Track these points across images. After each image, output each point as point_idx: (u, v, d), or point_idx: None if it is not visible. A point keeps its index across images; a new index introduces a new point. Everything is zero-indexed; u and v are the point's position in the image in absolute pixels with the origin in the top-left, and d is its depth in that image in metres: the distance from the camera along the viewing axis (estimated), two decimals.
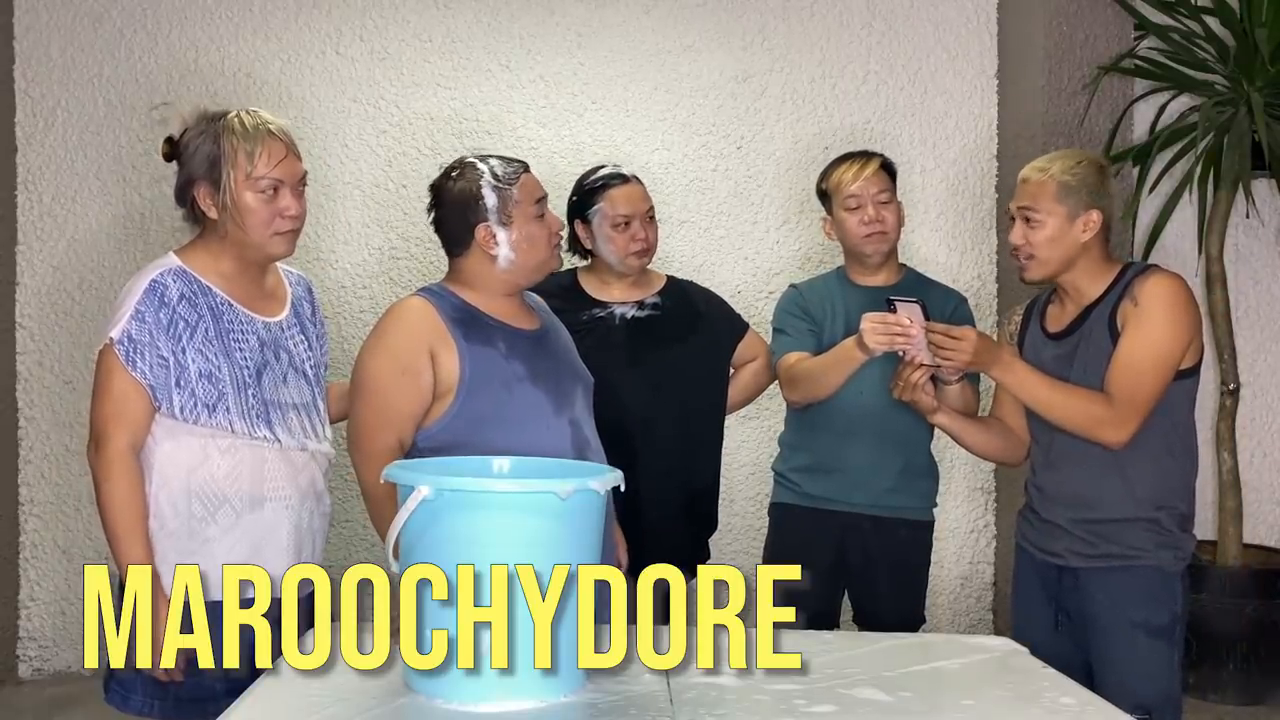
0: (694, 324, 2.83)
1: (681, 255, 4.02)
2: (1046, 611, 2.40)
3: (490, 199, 2.13)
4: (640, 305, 2.79)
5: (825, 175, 2.81)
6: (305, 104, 3.94)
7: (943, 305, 2.71)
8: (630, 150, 4.02)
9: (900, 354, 2.45)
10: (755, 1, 4.05)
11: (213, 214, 2.06)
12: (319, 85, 3.96)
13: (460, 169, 2.19)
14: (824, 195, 2.81)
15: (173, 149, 2.12)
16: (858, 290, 2.79)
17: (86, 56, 3.91)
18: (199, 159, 2.05)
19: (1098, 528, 2.32)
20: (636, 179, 2.82)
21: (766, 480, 3.99)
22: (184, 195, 2.10)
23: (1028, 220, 2.34)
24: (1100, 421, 2.25)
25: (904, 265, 2.87)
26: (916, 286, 2.76)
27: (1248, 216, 3.91)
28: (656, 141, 4.03)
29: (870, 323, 2.46)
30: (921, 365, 2.42)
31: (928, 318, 2.40)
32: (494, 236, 2.14)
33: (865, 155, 2.79)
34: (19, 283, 3.91)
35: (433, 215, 2.22)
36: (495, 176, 2.14)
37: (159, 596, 1.97)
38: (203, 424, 2.01)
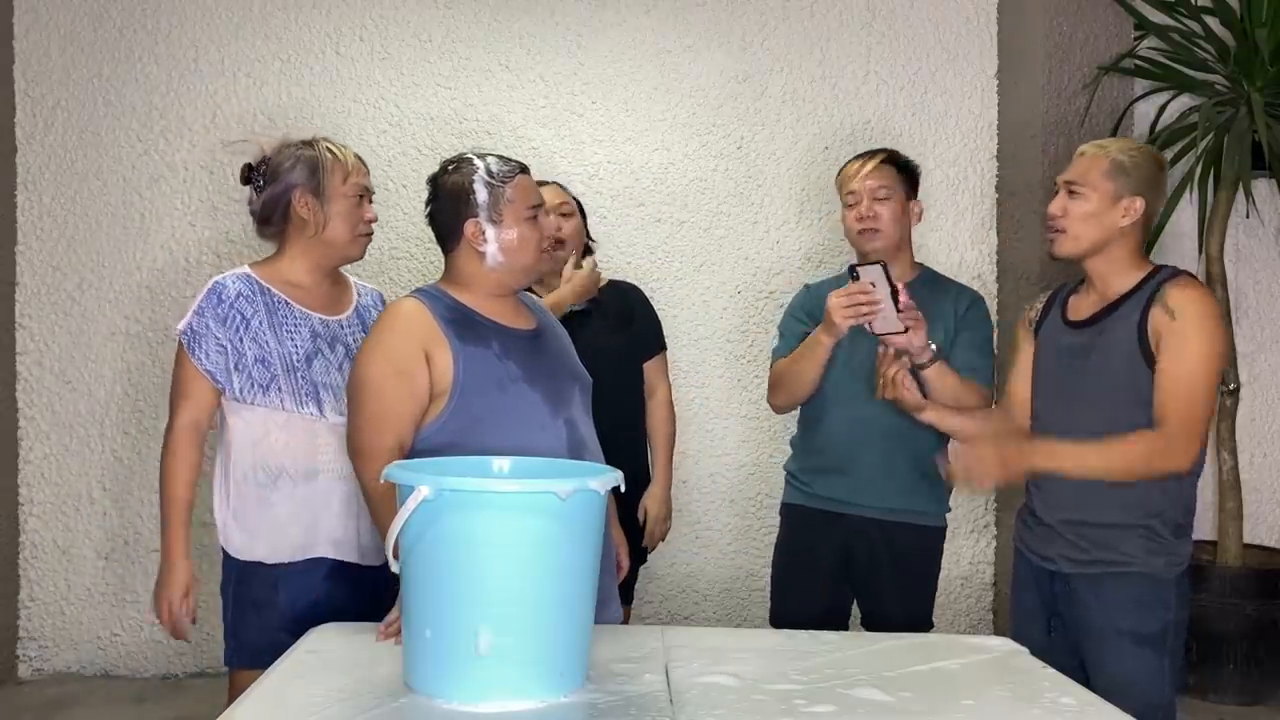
0: (623, 322, 3.07)
1: (682, 255, 4.03)
2: (1041, 615, 2.39)
3: (482, 194, 2.13)
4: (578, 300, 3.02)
5: (839, 173, 2.81)
6: (305, 104, 3.95)
7: (956, 303, 2.70)
8: (630, 150, 4.02)
9: (867, 327, 2.45)
10: (755, 1, 4.05)
11: (306, 215, 2.37)
12: (319, 85, 3.97)
13: (457, 164, 2.19)
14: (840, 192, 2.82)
15: (252, 172, 2.42)
16: None
17: (86, 56, 3.91)
18: (300, 170, 2.37)
19: (1089, 532, 2.30)
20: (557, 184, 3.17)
21: (766, 480, 4.02)
22: (276, 204, 2.38)
23: (1071, 193, 2.32)
24: (1159, 454, 2.19)
25: (920, 264, 2.83)
26: (931, 285, 2.75)
27: (1248, 216, 3.91)
28: (656, 141, 4.03)
29: (835, 299, 2.47)
30: (889, 339, 2.42)
31: (889, 279, 2.40)
32: (483, 233, 2.13)
33: (871, 153, 2.78)
34: (19, 283, 3.91)
35: (428, 209, 2.22)
36: (489, 173, 2.14)
37: (181, 561, 2.30)
38: (259, 403, 2.30)
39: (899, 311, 2.41)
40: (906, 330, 2.42)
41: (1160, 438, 2.18)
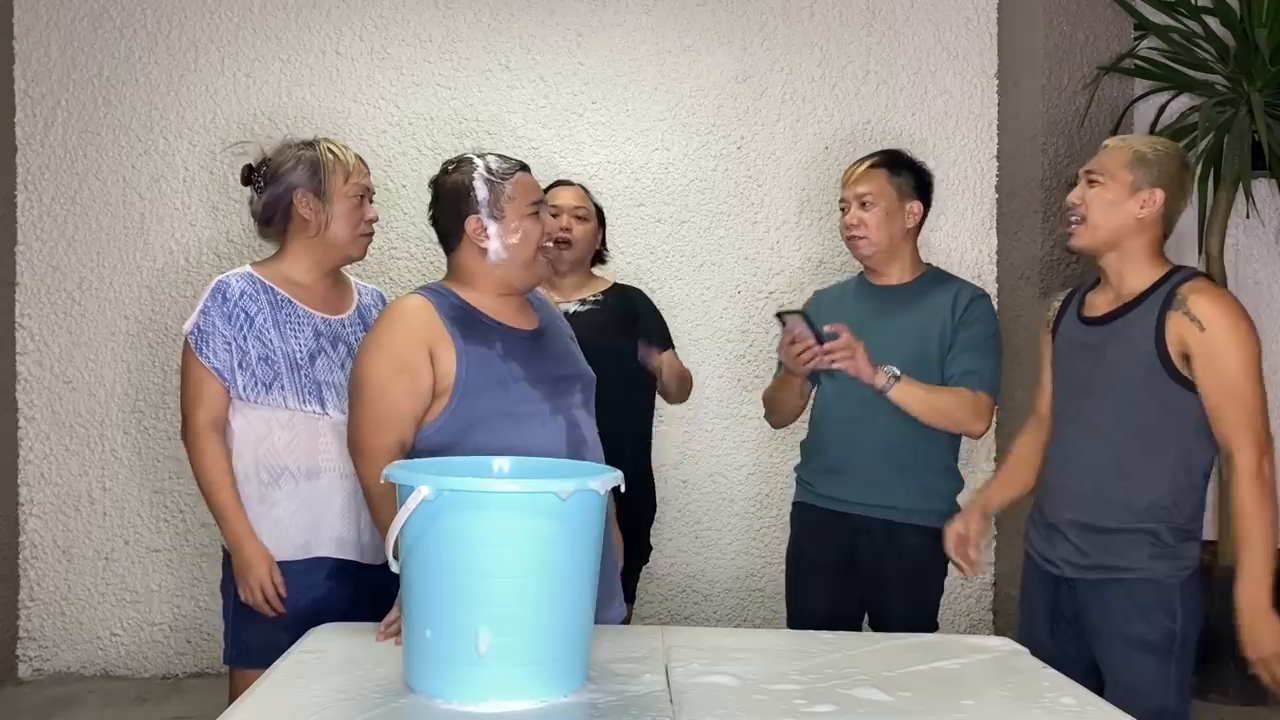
0: (627, 323, 3.08)
1: (682, 255, 4.03)
2: (1048, 618, 2.38)
3: (482, 191, 2.14)
4: (583, 302, 3.06)
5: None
6: (305, 104, 3.95)
7: (955, 301, 2.70)
8: (630, 150, 4.02)
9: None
10: (755, 1, 4.06)
11: (308, 216, 2.39)
12: (319, 85, 3.97)
13: (457, 164, 2.20)
14: None
15: (252, 174, 2.44)
16: (872, 291, 2.79)
17: (86, 56, 3.91)
18: (301, 171, 2.39)
19: (1093, 536, 2.28)
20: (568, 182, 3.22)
21: (767, 480, 4.02)
22: (277, 205, 2.40)
23: (1090, 182, 2.31)
24: (1261, 476, 2.17)
25: (927, 264, 2.84)
26: (934, 283, 2.76)
27: (1248, 217, 3.91)
28: (656, 141, 4.03)
29: (783, 353, 2.61)
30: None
31: (811, 326, 2.52)
32: (484, 229, 2.14)
33: (865, 157, 2.80)
34: (19, 283, 3.91)
35: (431, 211, 2.22)
36: (489, 170, 2.15)
37: (251, 541, 2.29)
38: (262, 401, 2.32)
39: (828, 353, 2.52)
40: (840, 368, 2.52)
41: (1248, 469, 2.16)
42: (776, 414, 2.91)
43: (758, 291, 4.04)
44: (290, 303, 2.38)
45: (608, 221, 3.37)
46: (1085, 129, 3.81)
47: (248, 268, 2.43)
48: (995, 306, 3.99)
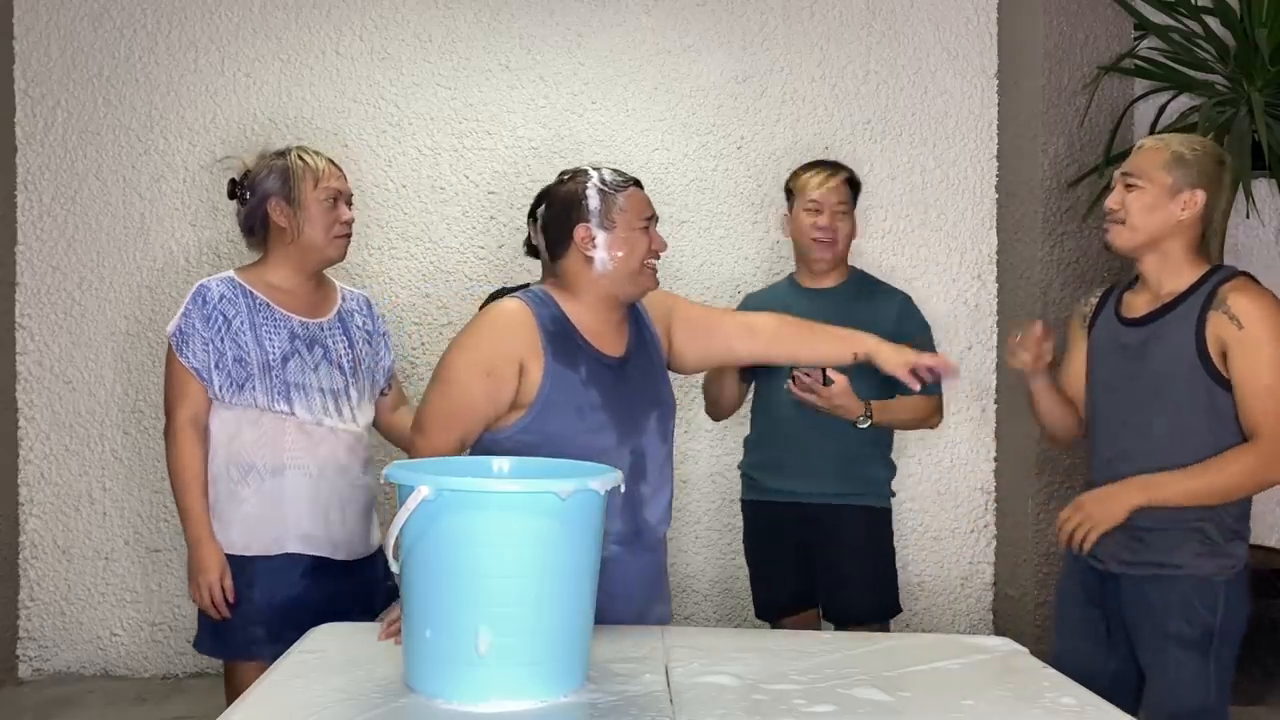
0: None
1: (681, 255, 4.03)
2: (1091, 617, 2.34)
3: (594, 201, 2.15)
4: None
5: (795, 175, 2.99)
6: (305, 104, 3.95)
7: (885, 310, 2.84)
8: (630, 150, 4.02)
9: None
10: (755, 1, 4.05)
11: (283, 223, 2.44)
12: (319, 85, 3.97)
13: (572, 174, 2.22)
14: (789, 193, 2.99)
15: (236, 187, 2.50)
16: (804, 293, 2.94)
17: (86, 56, 3.91)
18: (273, 180, 2.44)
19: (1140, 534, 2.24)
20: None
21: None
22: (255, 215, 2.47)
23: (1128, 186, 2.28)
24: (1262, 468, 2.16)
25: (852, 267, 3.00)
26: (862, 287, 2.91)
27: (1248, 217, 3.91)
28: (656, 141, 4.03)
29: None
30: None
31: (825, 381, 2.69)
32: (592, 238, 2.15)
33: (834, 166, 2.95)
34: (19, 283, 3.91)
35: (541, 220, 2.23)
36: (603, 182, 2.18)
37: (210, 543, 2.36)
38: (235, 401, 2.38)
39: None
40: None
41: (1258, 453, 2.15)
42: (715, 405, 3.02)
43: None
44: (268, 306, 2.45)
45: None
46: (1085, 129, 3.81)
47: (230, 273, 2.49)
48: (996, 306, 4.02)
